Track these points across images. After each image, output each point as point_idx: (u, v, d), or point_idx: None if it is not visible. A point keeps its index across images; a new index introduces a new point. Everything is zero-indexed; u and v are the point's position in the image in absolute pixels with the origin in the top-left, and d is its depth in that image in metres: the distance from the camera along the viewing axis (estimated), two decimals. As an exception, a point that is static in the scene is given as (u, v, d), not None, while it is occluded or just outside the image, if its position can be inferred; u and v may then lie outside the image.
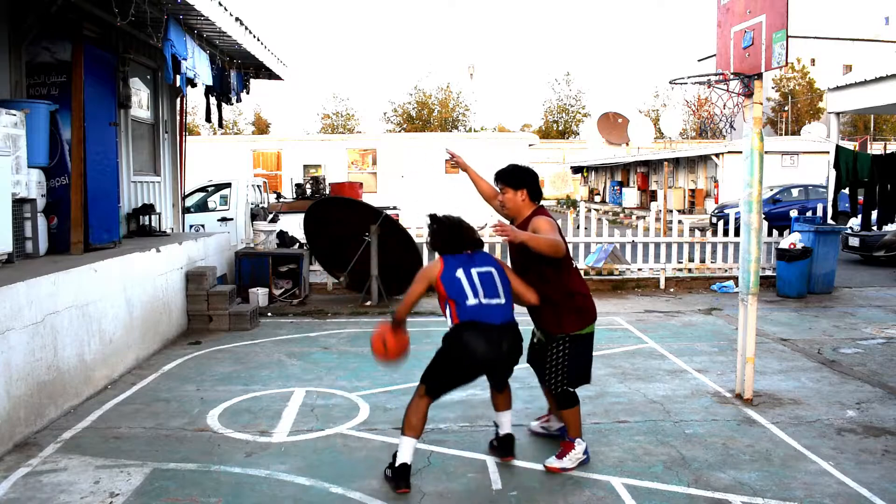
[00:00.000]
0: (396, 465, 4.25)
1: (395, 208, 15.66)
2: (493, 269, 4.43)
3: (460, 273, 4.33)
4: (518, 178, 4.62)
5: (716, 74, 5.99)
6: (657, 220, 15.24)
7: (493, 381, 4.65)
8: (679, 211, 26.94)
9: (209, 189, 14.28)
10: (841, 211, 12.35)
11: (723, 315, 9.52)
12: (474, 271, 4.37)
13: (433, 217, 4.58)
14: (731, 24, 5.91)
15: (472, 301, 4.26)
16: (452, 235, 4.48)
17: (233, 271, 10.28)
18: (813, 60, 55.49)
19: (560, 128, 63.19)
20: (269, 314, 9.47)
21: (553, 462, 4.53)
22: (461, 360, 4.28)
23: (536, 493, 4.21)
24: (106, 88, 7.77)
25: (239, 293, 9.66)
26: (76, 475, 4.40)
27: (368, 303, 10.06)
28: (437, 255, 4.48)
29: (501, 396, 4.72)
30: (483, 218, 13.63)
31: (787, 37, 5.26)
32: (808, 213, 12.85)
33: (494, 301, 4.30)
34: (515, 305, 4.47)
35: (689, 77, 6.10)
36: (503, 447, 4.72)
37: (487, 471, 4.50)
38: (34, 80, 7.13)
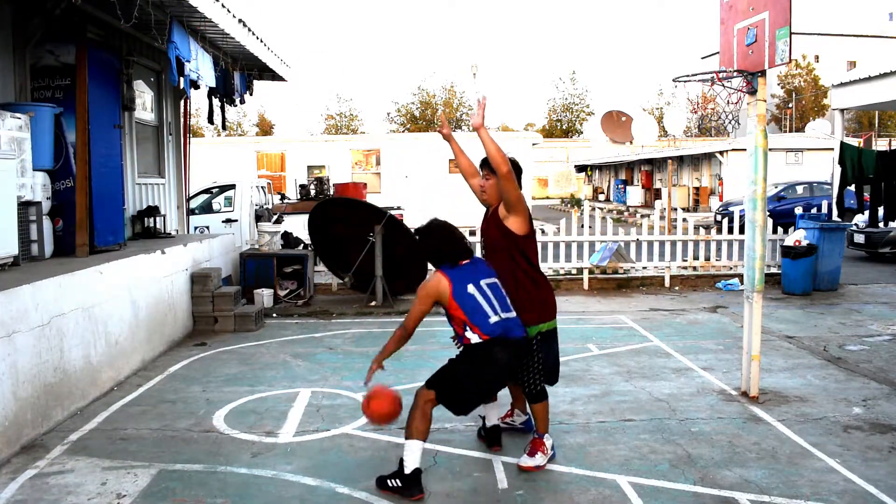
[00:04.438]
0: (408, 471, 4.10)
1: (399, 208, 15.67)
2: (496, 279, 4.36)
3: (472, 289, 4.17)
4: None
5: (719, 72, 5.98)
6: (661, 218, 15.22)
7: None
8: (683, 209, 26.86)
9: (213, 191, 14.30)
10: (846, 207, 12.30)
11: (728, 313, 9.50)
12: (483, 283, 4.24)
13: (421, 230, 4.44)
14: (734, 22, 5.90)
15: (493, 318, 4.16)
16: (449, 245, 4.32)
17: (237, 272, 10.30)
18: (817, 57, 55.34)
19: (564, 127, 63.12)
20: (274, 315, 9.48)
21: (527, 461, 4.48)
22: (492, 374, 4.21)
23: (542, 492, 4.21)
24: (110, 91, 7.79)
25: (244, 294, 9.68)
26: (83, 477, 4.41)
27: (373, 303, 10.06)
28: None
29: None
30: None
31: (791, 33, 5.24)
32: (813, 210, 12.83)
33: (511, 315, 4.27)
34: None
35: (692, 75, 6.09)
36: (492, 438, 4.82)
37: (493, 470, 4.50)
38: (38, 83, 7.16)
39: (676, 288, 11.52)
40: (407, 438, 4.16)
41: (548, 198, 44.11)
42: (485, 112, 4.48)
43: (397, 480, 4.13)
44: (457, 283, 4.19)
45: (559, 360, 4.81)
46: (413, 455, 4.11)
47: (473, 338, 4.18)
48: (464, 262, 4.32)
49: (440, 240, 4.35)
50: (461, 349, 4.32)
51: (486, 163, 4.59)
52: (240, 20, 8.50)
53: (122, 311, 6.59)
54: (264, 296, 9.87)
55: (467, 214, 17.98)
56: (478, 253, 5.31)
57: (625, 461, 4.62)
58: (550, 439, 4.63)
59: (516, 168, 4.57)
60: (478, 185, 4.76)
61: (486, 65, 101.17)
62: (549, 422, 4.71)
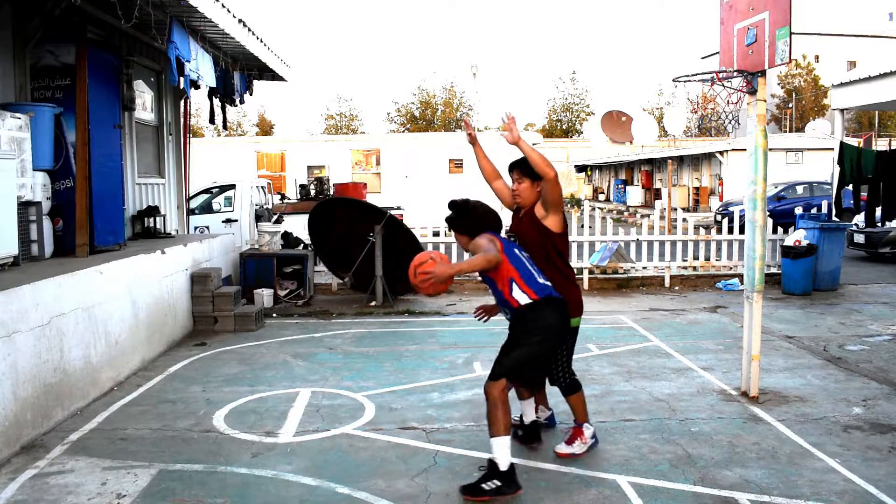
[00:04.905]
0: (505, 468, 4.02)
1: (399, 208, 15.67)
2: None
3: (517, 251, 4.33)
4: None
5: (719, 72, 5.97)
6: (661, 218, 15.22)
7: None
8: (683, 209, 26.89)
9: (213, 191, 14.31)
10: (846, 208, 12.30)
11: (728, 313, 9.50)
12: (523, 253, 4.39)
13: (457, 203, 4.50)
14: (734, 22, 5.90)
15: (540, 279, 4.28)
16: (487, 214, 4.43)
17: (238, 272, 10.30)
18: (817, 57, 55.31)
19: (564, 127, 63.10)
20: (274, 315, 9.48)
21: (563, 448, 4.68)
22: (549, 336, 4.20)
23: (543, 491, 4.21)
24: (110, 91, 7.79)
25: (244, 294, 9.68)
26: (83, 477, 4.41)
27: (373, 303, 10.07)
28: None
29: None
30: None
31: (791, 33, 5.25)
32: (813, 210, 12.82)
33: (550, 283, 4.35)
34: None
35: (692, 75, 6.09)
36: (531, 435, 4.84)
37: (493, 470, 4.49)
38: (38, 83, 7.15)
39: (676, 288, 11.52)
40: (493, 436, 4.08)
41: (548, 198, 43.90)
42: (515, 125, 4.56)
43: (495, 481, 4.02)
44: (505, 243, 4.31)
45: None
46: (504, 451, 4.06)
47: (522, 298, 4.18)
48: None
49: (482, 211, 4.45)
50: (513, 322, 4.30)
51: (514, 167, 4.69)
52: (240, 20, 8.50)
53: (122, 311, 6.59)
54: (264, 296, 9.87)
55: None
56: None
57: (625, 461, 4.62)
58: (591, 429, 4.77)
59: None
60: (502, 189, 4.88)
61: (486, 65, 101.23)
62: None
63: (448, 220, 4.50)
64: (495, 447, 4.07)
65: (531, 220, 4.67)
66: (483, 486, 4.04)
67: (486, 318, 4.83)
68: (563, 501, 4.09)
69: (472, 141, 4.90)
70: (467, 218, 4.43)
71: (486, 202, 4.58)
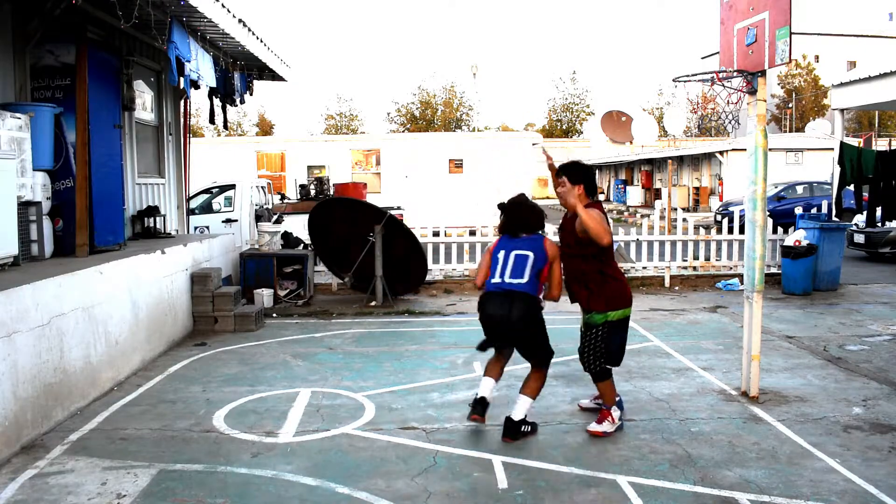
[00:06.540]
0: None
1: (399, 208, 15.67)
2: (530, 254, 4.97)
3: (501, 254, 5.02)
4: (576, 174, 5.06)
5: (719, 72, 5.97)
6: (661, 218, 15.21)
7: (518, 349, 5.17)
8: (683, 209, 26.88)
9: (213, 191, 14.30)
10: (846, 208, 12.28)
11: (728, 313, 9.50)
12: (513, 253, 4.98)
13: (503, 203, 5.20)
14: (735, 22, 5.90)
15: (495, 279, 4.96)
16: (508, 219, 5.12)
17: (237, 272, 10.30)
18: (817, 57, 55.30)
19: (564, 127, 63.11)
20: (274, 315, 9.48)
21: (594, 426, 5.05)
22: (481, 321, 5.02)
23: (542, 491, 4.21)
24: (110, 91, 7.79)
25: (244, 294, 9.68)
26: (83, 477, 4.41)
27: (373, 303, 10.06)
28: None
29: (500, 365, 5.29)
30: (482, 218, 13.61)
31: (791, 33, 5.25)
32: (813, 210, 12.81)
33: (516, 280, 4.91)
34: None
35: (692, 75, 6.09)
36: (474, 408, 5.11)
37: (493, 470, 4.50)
38: (38, 83, 7.15)
39: (676, 288, 11.52)
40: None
41: (548, 198, 44.17)
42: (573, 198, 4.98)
43: (528, 426, 5.01)
44: (497, 247, 5.10)
45: (625, 346, 5.21)
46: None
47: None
48: (526, 235, 5.07)
49: (504, 213, 5.18)
50: None
51: (560, 171, 5.13)
52: (240, 20, 8.50)
53: (122, 311, 6.59)
54: (264, 296, 9.87)
55: (466, 215, 18.00)
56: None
57: (625, 461, 4.62)
58: (619, 411, 5.13)
59: (590, 173, 5.12)
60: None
61: (486, 65, 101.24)
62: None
63: (501, 209, 5.22)
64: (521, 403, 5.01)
65: (571, 227, 5.07)
66: (525, 426, 4.98)
67: None
68: (563, 501, 4.09)
69: (552, 168, 5.54)
70: (504, 215, 5.16)
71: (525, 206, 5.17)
